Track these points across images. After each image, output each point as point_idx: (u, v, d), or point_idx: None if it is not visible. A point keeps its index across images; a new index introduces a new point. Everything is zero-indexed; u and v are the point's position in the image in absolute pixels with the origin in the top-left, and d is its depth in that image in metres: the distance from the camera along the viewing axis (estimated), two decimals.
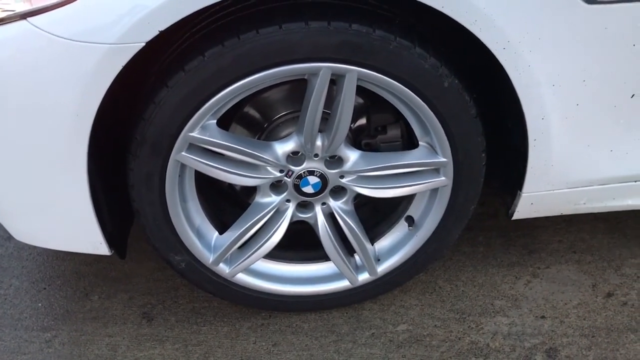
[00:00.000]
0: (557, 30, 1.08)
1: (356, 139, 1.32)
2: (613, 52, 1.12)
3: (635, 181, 1.32)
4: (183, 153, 1.15)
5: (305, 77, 1.12)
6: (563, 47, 1.10)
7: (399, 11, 1.11)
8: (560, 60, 1.11)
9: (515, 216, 1.35)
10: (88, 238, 1.24)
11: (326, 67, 1.08)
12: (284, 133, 1.28)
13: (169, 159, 1.15)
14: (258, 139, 1.31)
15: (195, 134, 1.13)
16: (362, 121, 1.32)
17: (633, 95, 1.18)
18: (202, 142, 1.15)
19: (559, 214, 1.39)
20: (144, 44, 1.01)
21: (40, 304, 1.49)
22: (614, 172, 1.29)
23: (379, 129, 1.30)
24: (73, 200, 1.18)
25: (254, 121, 1.31)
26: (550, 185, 1.29)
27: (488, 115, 1.24)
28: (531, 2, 1.04)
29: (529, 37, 1.07)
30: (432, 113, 1.16)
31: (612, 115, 1.20)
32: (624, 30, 1.09)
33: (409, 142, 1.30)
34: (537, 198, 1.31)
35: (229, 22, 1.08)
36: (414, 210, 1.35)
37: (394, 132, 1.30)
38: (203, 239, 1.30)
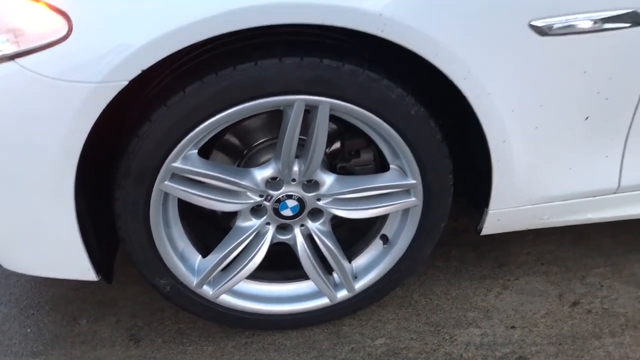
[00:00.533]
0: (514, 60, 1.16)
1: (331, 163, 1.39)
2: (566, 78, 1.21)
3: (594, 196, 1.40)
4: (166, 182, 1.21)
5: (281, 109, 1.19)
6: (520, 76, 1.18)
7: (369, 47, 1.19)
8: (519, 87, 1.19)
9: (484, 232, 1.43)
10: (76, 265, 1.29)
11: (300, 100, 1.15)
12: (262, 159, 1.35)
13: (152, 188, 1.21)
14: (238, 165, 1.37)
15: (177, 164, 1.19)
16: (337, 146, 1.39)
17: (587, 118, 1.27)
18: (184, 172, 1.21)
19: (525, 228, 1.47)
20: (127, 82, 1.07)
21: (29, 330, 1.53)
22: (574, 188, 1.38)
23: (353, 153, 1.38)
24: (61, 229, 1.23)
25: (234, 148, 1.38)
26: (515, 203, 1.37)
27: (454, 138, 1.32)
28: (489, 36, 1.12)
29: (488, 68, 1.16)
30: (400, 139, 1.24)
31: (569, 136, 1.29)
32: (575, 59, 1.18)
33: (381, 165, 1.38)
34: (503, 215, 1.39)
35: (208, 59, 1.15)
36: (388, 229, 1.42)
37: (366, 156, 1.37)
38: (187, 262, 1.35)
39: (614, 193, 1.40)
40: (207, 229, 1.46)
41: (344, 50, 1.16)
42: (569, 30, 1.14)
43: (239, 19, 1.05)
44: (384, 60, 1.19)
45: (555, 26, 1.13)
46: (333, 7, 1.06)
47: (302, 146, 1.26)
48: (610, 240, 1.72)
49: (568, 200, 1.40)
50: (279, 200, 1.31)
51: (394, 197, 1.33)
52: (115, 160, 1.21)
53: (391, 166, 1.32)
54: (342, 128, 1.37)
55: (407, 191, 1.33)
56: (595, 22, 1.14)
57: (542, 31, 1.13)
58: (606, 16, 1.13)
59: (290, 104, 1.16)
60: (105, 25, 1.06)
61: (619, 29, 1.15)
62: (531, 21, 1.12)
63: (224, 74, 1.11)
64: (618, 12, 1.13)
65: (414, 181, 1.30)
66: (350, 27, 1.07)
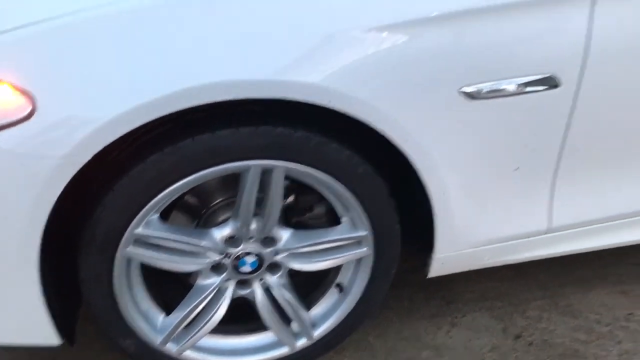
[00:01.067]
0: (449, 122, 1.28)
1: (286, 217, 1.47)
2: (496, 135, 1.33)
3: (528, 237, 1.53)
4: (129, 249, 1.26)
5: (239, 172, 1.27)
6: (456, 135, 1.30)
7: (320, 114, 1.28)
8: (455, 145, 1.31)
9: (430, 274, 1.53)
10: (39, 331, 1.31)
11: (256, 165, 1.24)
12: (220, 218, 1.41)
13: (116, 254, 1.26)
14: (197, 224, 1.43)
15: (140, 230, 1.25)
16: (291, 199, 1.48)
17: (517, 168, 1.40)
18: (146, 238, 1.27)
19: (469, 269, 1.59)
20: (90, 157, 1.13)
21: None
22: (509, 232, 1.50)
23: (307, 207, 1.46)
24: (24, 297, 1.25)
25: (192, 208, 1.44)
26: (457, 247, 1.48)
27: (401, 191, 1.43)
28: (426, 102, 1.24)
29: (427, 130, 1.27)
30: (351, 195, 1.33)
31: (502, 186, 1.42)
32: (502, 118, 1.31)
33: (333, 216, 1.47)
34: (447, 258, 1.50)
35: (168, 130, 1.22)
36: (342, 278, 1.50)
37: (319, 210, 1.46)
38: (150, 321, 1.40)
39: (545, 234, 1.53)
40: (169, 287, 1.50)
41: (296, 117, 1.25)
42: (496, 94, 1.27)
43: (193, 96, 1.12)
44: (334, 125, 1.28)
45: (483, 91, 1.26)
46: (280, 82, 1.15)
47: (260, 202, 1.34)
48: (547, 274, 1.86)
49: (505, 242, 1.52)
50: (238, 258, 1.37)
51: (347, 248, 1.42)
52: (79, 228, 1.25)
53: (343, 219, 1.41)
54: (295, 184, 1.45)
55: (359, 242, 1.42)
56: (518, 85, 1.27)
57: (472, 96, 1.26)
58: (527, 80, 1.27)
59: (247, 169, 1.24)
60: (69, 103, 1.11)
61: (538, 91, 1.29)
62: (461, 88, 1.25)
63: (183, 145, 1.18)
64: (537, 76, 1.27)
65: (365, 233, 1.39)
66: (301, 100, 1.17)
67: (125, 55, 1.11)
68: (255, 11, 1.15)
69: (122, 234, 1.23)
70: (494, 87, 1.26)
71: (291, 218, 1.46)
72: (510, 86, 1.27)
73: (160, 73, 1.11)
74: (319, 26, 1.17)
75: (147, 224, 1.25)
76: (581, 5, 1.24)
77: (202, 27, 1.14)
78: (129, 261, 1.31)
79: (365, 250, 1.42)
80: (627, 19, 1.28)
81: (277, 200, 1.31)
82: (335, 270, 1.51)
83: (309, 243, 1.40)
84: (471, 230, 1.46)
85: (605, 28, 1.27)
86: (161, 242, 1.29)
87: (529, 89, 1.28)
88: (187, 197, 1.43)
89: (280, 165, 1.25)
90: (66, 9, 1.13)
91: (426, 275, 1.53)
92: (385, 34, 1.18)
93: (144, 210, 1.22)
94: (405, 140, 1.26)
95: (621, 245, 1.62)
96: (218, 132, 1.19)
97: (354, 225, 1.40)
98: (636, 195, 1.54)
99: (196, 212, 1.44)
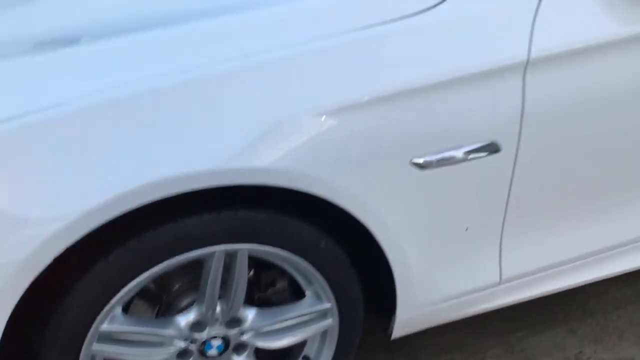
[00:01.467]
0: (402, 191, 1.34)
1: (249, 294, 1.47)
2: (447, 200, 1.40)
3: (483, 290, 1.60)
4: (93, 346, 1.22)
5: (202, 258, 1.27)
6: (410, 203, 1.36)
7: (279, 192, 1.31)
8: (411, 212, 1.36)
9: (394, 335, 1.57)
10: None
11: (220, 250, 1.24)
12: (184, 303, 1.40)
13: (80, 353, 1.21)
14: (159, 310, 1.41)
15: (104, 327, 1.21)
16: (252, 276, 1.48)
17: (467, 228, 1.47)
18: (111, 334, 1.23)
19: (430, 326, 1.63)
20: (51, 260, 1.10)
21: None
22: (465, 287, 1.56)
23: (269, 282, 1.47)
24: None
25: (153, 295, 1.41)
26: (418, 308, 1.52)
27: (362, 260, 1.46)
28: (382, 176, 1.29)
29: (382, 201, 1.32)
30: (314, 269, 1.36)
31: (455, 246, 1.48)
32: (451, 184, 1.38)
33: (296, 289, 1.48)
34: (408, 319, 1.53)
35: (129, 223, 1.20)
36: (309, 350, 1.51)
37: (281, 284, 1.47)
38: None
39: (499, 285, 1.60)
40: None
41: (257, 198, 1.27)
42: (444, 163, 1.34)
43: (155, 190, 1.12)
44: (293, 203, 1.31)
45: (432, 161, 1.33)
46: (235, 170, 1.17)
47: (224, 284, 1.33)
48: (501, 320, 1.93)
49: (462, 297, 1.58)
50: (204, 342, 1.36)
51: (312, 321, 1.43)
52: (41, 329, 1.21)
53: (307, 292, 1.42)
54: (256, 261, 1.46)
55: (324, 314, 1.43)
56: (464, 153, 1.35)
57: (422, 166, 1.32)
58: (472, 148, 1.35)
59: (211, 254, 1.24)
60: (28, 204, 1.09)
61: (482, 157, 1.37)
62: (412, 159, 1.31)
63: (146, 237, 1.18)
64: (480, 144, 1.36)
65: (329, 305, 1.41)
66: (257, 183, 1.19)
67: (76, 157, 1.10)
68: (202, 102, 1.16)
69: (86, 333, 1.20)
70: (442, 157, 1.33)
71: (253, 295, 1.46)
72: (457, 154, 1.34)
73: (112, 173, 1.10)
74: (271, 111, 1.20)
75: (111, 319, 1.22)
76: (514, 76, 1.34)
77: (151, 123, 1.14)
78: (93, 358, 1.26)
79: (330, 322, 1.44)
80: (556, 85, 1.39)
81: (242, 282, 1.31)
82: (301, 342, 1.51)
83: (274, 320, 1.40)
84: (430, 290, 1.51)
85: (537, 94, 1.37)
86: (126, 337, 1.26)
87: (473, 155, 1.36)
88: (148, 284, 1.40)
89: (243, 248, 1.26)
90: (15, 112, 1.11)
91: (389, 337, 1.56)
92: (337, 114, 1.23)
93: (108, 306, 1.20)
94: (364, 213, 1.30)
95: (572, 287, 1.71)
96: (181, 221, 1.19)
97: (318, 298, 1.41)
98: (577, 241, 1.64)
99: (157, 299, 1.42)
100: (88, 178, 1.10)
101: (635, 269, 1.76)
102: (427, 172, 1.33)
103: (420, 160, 1.31)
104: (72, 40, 1.28)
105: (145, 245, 1.18)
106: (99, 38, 1.25)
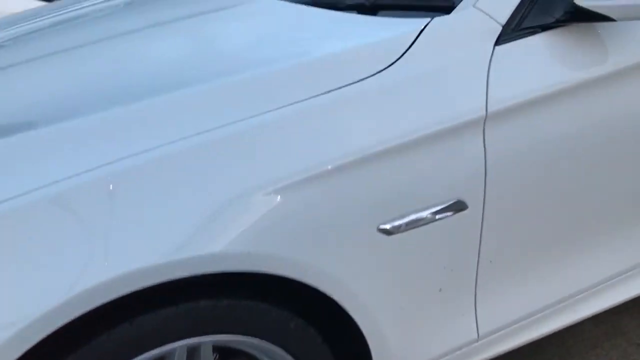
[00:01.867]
0: (372, 259, 1.28)
1: None
2: (418, 262, 1.34)
3: (461, 349, 1.54)
4: None
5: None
6: (379, 270, 1.30)
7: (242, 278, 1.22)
8: (382, 279, 1.30)
9: None
10: None
11: (181, 346, 1.14)
12: None
13: None
14: None
15: None
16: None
17: (440, 289, 1.41)
18: None
19: None
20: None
21: None
22: (443, 348, 1.50)
23: None
24: None
25: None
26: None
27: (335, 331, 1.38)
28: (350, 246, 1.23)
29: (353, 272, 1.25)
30: (283, 351, 1.27)
31: (430, 308, 1.42)
32: (420, 246, 1.33)
33: None
34: None
35: (83, 325, 1.09)
36: None
37: None
38: None
39: (477, 341, 1.55)
40: None
41: (219, 287, 1.18)
42: (412, 226, 1.28)
43: (92, 299, 1.04)
44: (257, 284, 1.23)
45: (400, 225, 1.27)
46: (190, 259, 1.09)
47: None
48: None
49: (442, 357, 1.51)
50: None
51: None
52: None
53: None
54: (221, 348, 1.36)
55: None
56: (431, 214, 1.30)
57: (389, 232, 1.26)
58: (438, 208, 1.31)
59: (172, 352, 1.14)
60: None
61: (449, 216, 1.32)
62: (379, 226, 1.25)
63: (99, 342, 1.07)
64: (447, 203, 1.31)
65: None
66: (214, 271, 1.11)
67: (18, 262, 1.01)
68: (139, 194, 1.08)
69: None
70: (409, 220, 1.28)
71: None
72: (424, 215, 1.30)
73: (51, 280, 1.01)
74: (220, 192, 1.13)
75: None
76: (474, 132, 1.31)
77: (88, 221, 1.05)
78: None
79: None
80: (516, 136, 1.36)
81: None
82: None
83: None
84: (408, 354, 1.44)
85: (498, 147, 1.34)
86: None
87: (440, 215, 1.31)
88: None
89: (207, 340, 1.17)
90: None
91: None
92: (293, 188, 1.17)
93: None
94: (333, 287, 1.23)
95: (550, 333, 1.67)
96: (136, 321, 1.09)
97: None
98: (551, 287, 1.60)
99: None
100: (28, 287, 1.00)
101: (608, 308, 1.74)
102: (395, 237, 1.28)
103: (388, 226, 1.26)
104: None
105: (99, 350, 1.07)
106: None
